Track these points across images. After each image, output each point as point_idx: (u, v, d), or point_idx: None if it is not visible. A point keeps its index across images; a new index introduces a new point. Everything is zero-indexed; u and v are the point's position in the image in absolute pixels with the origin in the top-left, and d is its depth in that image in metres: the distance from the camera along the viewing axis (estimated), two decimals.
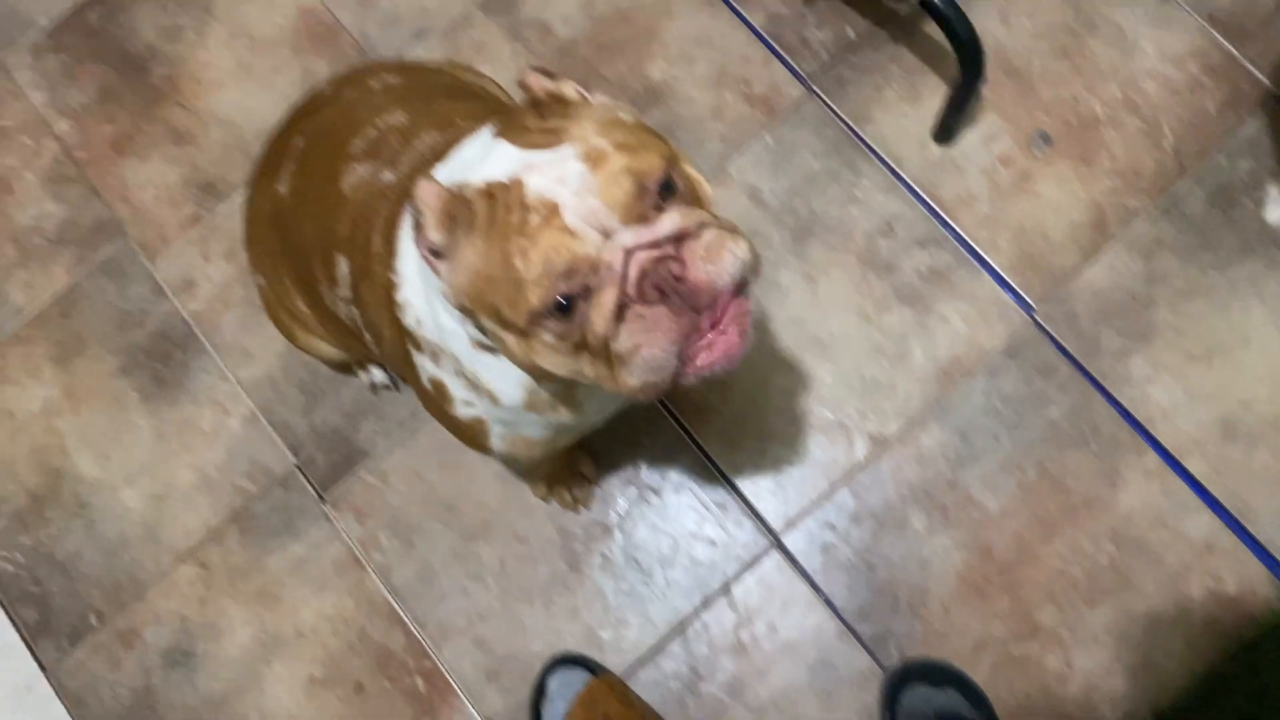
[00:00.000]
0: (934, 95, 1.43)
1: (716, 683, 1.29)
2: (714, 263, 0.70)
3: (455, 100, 1.04)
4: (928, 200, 1.39)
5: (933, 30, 1.44)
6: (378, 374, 1.39)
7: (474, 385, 0.90)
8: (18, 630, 1.41)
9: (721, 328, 0.72)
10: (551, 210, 0.69)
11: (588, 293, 0.70)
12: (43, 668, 1.39)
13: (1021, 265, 1.36)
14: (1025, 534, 1.29)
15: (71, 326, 1.49)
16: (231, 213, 1.50)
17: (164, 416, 1.44)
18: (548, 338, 0.72)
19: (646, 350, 0.71)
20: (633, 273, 0.69)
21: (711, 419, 1.36)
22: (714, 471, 1.35)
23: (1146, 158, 1.38)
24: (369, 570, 1.36)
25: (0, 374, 1.49)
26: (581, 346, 0.73)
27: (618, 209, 0.69)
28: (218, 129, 1.54)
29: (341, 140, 1.00)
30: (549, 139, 0.73)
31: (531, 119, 0.75)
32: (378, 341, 1.00)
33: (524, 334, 0.73)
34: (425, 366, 0.93)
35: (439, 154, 0.90)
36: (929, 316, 1.36)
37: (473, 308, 0.75)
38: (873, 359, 1.36)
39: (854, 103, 1.44)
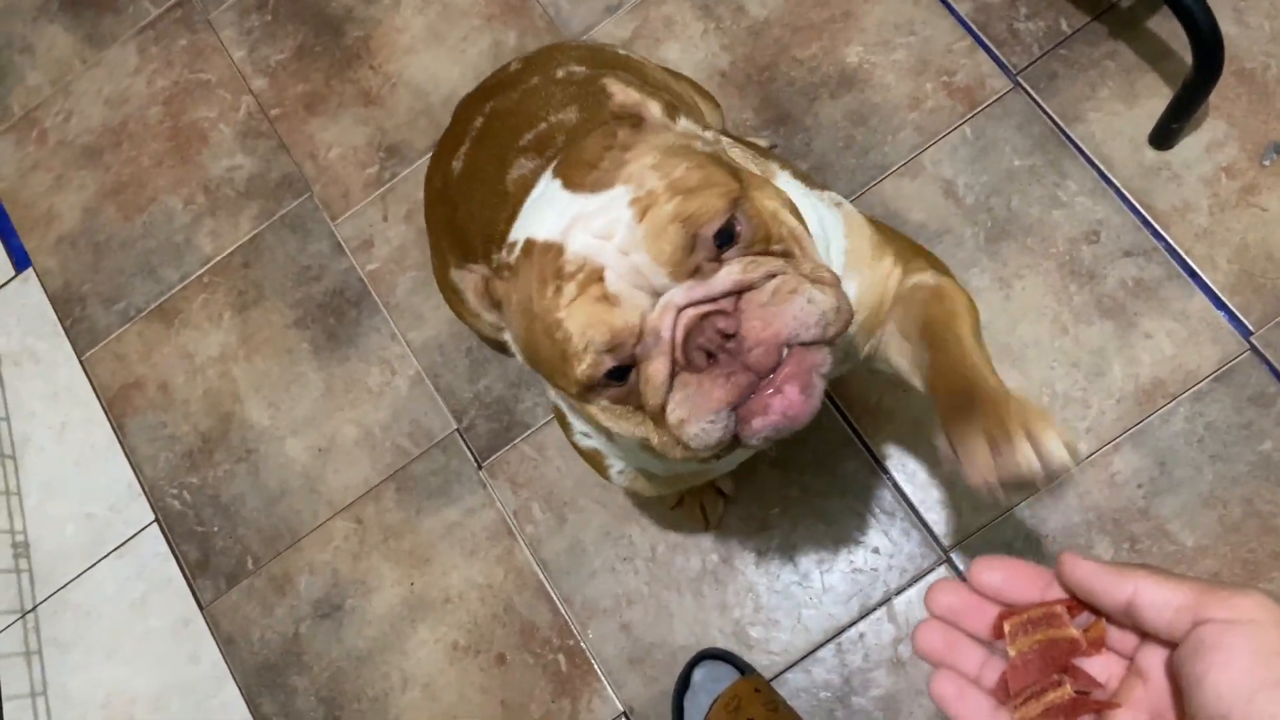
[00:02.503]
0: (1152, 96, 1.37)
1: (869, 697, 1.27)
2: (776, 315, 0.65)
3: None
4: (1139, 208, 1.34)
5: (1156, 25, 1.39)
6: None
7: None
8: (180, 566, 1.50)
9: (779, 385, 0.66)
10: (590, 275, 0.66)
11: (638, 359, 0.67)
12: (200, 605, 1.48)
13: (1241, 285, 1.30)
14: (1225, 576, 1.22)
15: (252, 276, 1.58)
16: (413, 177, 1.57)
17: (333, 371, 1.52)
18: (605, 403, 0.71)
19: (693, 424, 0.67)
20: (678, 335, 0.65)
21: (884, 422, 1.35)
22: (883, 477, 1.33)
23: None
24: (520, 541, 1.40)
25: (184, 318, 1.59)
26: (642, 409, 0.70)
27: (666, 264, 0.65)
28: (406, 94, 1.61)
29: (516, 129, 1.01)
30: (604, 178, 0.69)
31: (596, 145, 0.72)
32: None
33: (584, 400, 0.72)
34: (549, 389, 0.93)
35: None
36: (1132, 332, 1.31)
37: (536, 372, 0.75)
38: (1066, 373, 1.31)
39: (1064, 99, 1.40)
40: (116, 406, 1.58)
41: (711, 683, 1.29)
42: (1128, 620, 0.46)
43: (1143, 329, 1.31)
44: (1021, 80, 1.42)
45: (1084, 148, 1.38)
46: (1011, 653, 0.49)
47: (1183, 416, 1.28)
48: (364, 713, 1.40)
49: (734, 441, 0.68)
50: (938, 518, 1.31)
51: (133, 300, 1.62)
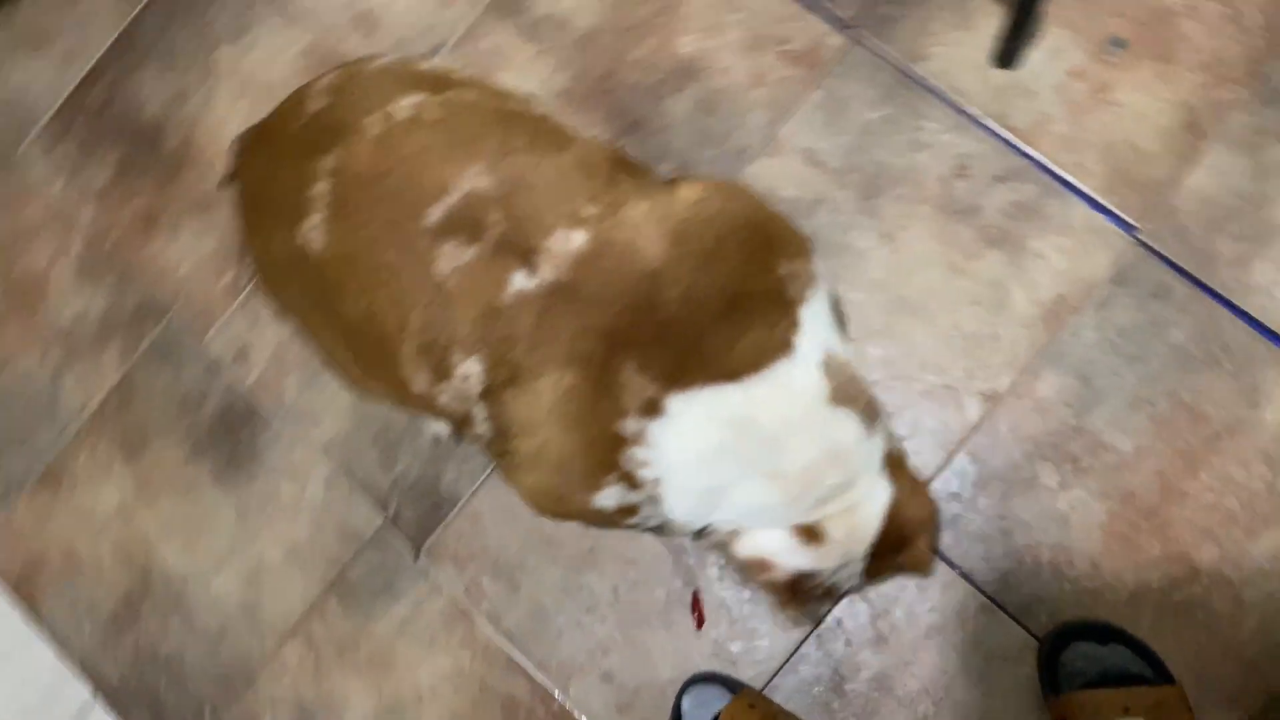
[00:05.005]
0: (988, 17, 1.40)
1: (861, 680, 1.30)
2: None
3: (527, 136, 0.98)
4: (1000, 131, 1.37)
5: None
6: (440, 426, 1.39)
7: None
8: None
9: None
10: None
11: None
12: None
13: (1115, 184, 1.33)
14: (1168, 472, 1.27)
15: (132, 418, 1.53)
16: None
17: (242, 495, 1.48)
18: None
19: None
20: None
21: None
22: None
23: (1232, 43, 1.34)
24: (478, 619, 1.39)
25: (72, 478, 1.54)
26: None
27: None
28: None
29: (405, 203, 0.94)
30: None
31: None
32: (505, 438, 0.98)
33: None
34: (612, 494, 0.97)
35: (586, 258, 0.90)
36: (1023, 256, 1.34)
37: None
38: (969, 311, 1.34)
39: (903, 41, 1.42)
40: (24, 588, 1.53)
41: (701, 709, 1.29)
42: None
43: (1032, 250, 1.34)
44: (857, 32, 1.43)
45: (933, 85, 1.40)
46: None
47: (1091, 326, 1.31)
48: None
49: None
50: None
51: (12, 474, 1.56)
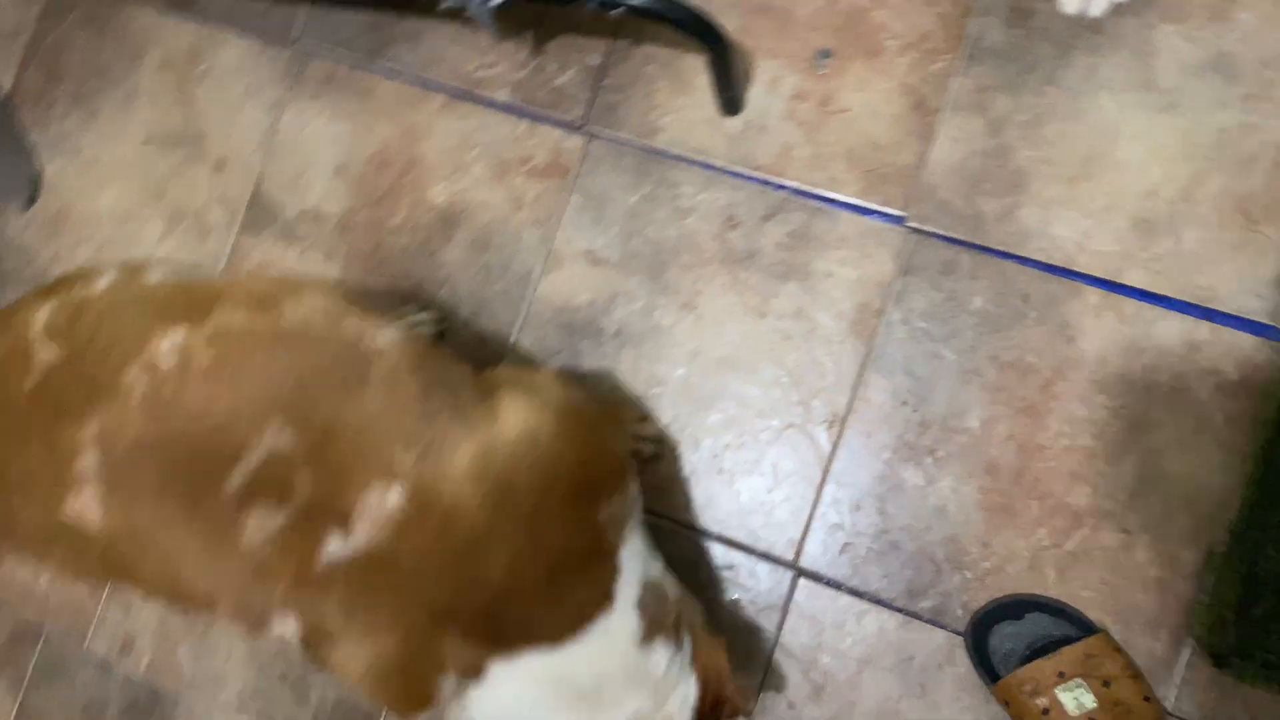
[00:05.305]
0: (700, 74, 1.44)
1: None
2: None
3: (321, 369, 0.90)
4: (750, 174, 1.41)
5: None
6: None
7: None
8: None
9: None
10: None
11: None
12: None
13: (871, 184, 1.37)
14: (1018, 433, 1.29)
15: None
16: None
17: None
18: None
19: None
20: None
21: (670, 490, 1.37)
22: (704, 537, 1.36)
23: (925, 17, 1.39)
24: None
25: None
26: None
27: None
28: None
29: (197, 473, 0.85)
30: None
31: None
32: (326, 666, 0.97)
33: None
34: None
35: (404, 521, 0.85)
36: (814, 279, 1.37)
37: None
38: (786, 348, 1.36)
39: (633, 122, 1.45)
40: None
41: None
42: None
43: (820, 271, 1.37)
44: (589, 128, 1.46)
45: (675, 153, 1.43)
46: None
47: (899, 322, 1.34)
48: None
49: None
50: (769, 540, 1.34)
51: None
